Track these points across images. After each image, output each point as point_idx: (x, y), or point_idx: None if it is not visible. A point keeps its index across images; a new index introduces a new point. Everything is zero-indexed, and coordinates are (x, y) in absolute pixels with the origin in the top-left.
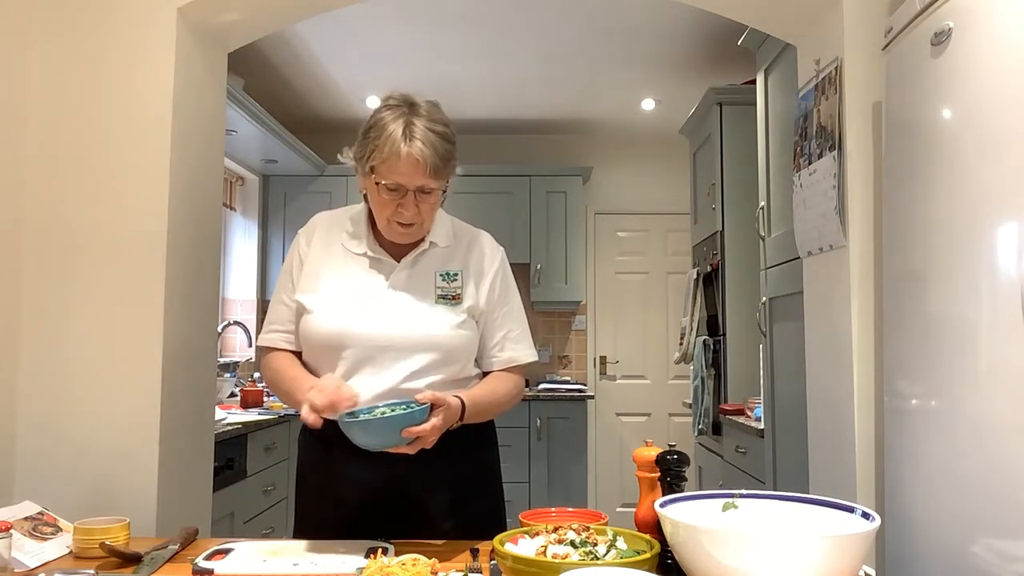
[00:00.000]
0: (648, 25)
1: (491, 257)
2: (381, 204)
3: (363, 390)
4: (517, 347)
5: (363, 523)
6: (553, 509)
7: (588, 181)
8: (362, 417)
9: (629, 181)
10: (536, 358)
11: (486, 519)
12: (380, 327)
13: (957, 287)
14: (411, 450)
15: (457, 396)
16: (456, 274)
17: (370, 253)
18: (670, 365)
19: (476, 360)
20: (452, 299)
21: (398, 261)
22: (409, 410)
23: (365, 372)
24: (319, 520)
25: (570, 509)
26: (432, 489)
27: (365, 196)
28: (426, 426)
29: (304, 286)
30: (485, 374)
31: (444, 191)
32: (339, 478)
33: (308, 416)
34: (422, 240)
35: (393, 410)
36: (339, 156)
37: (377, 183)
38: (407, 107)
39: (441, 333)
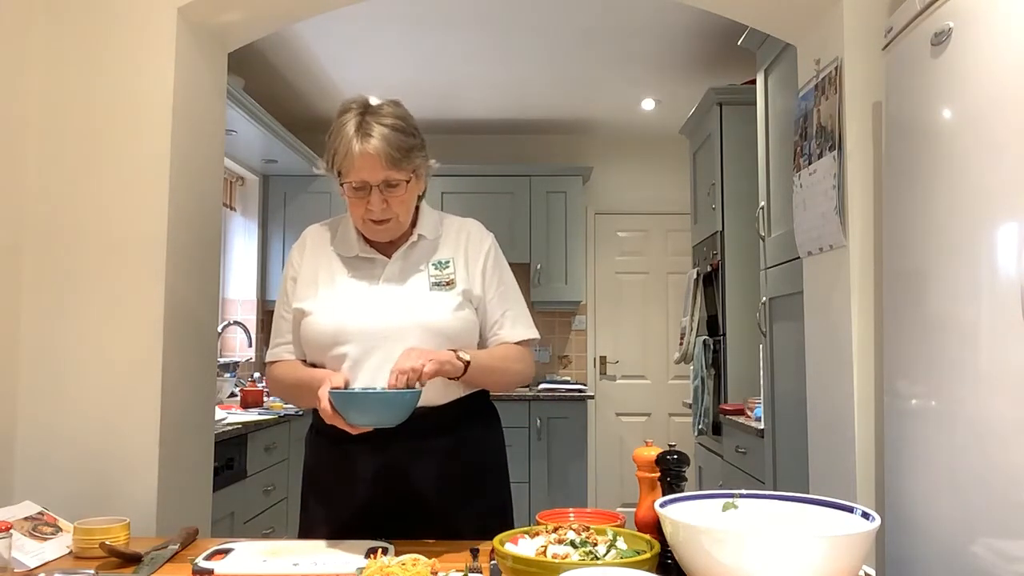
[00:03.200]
0: (648, 25)
1: (480, 241)
2: (353, 204)
3: (368, 383)
4: (517, 325)
5: (369, 520)
6: (571, 510)
7: (588, 181)
8: (351, 389)
9: (629, 181)
10: (537, 336)
11: (493, 515)
12: (376, 319)
13: (957, 287)
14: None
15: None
16: (448, 261)
17: (361, 254)
18: (670, 365)
19: (479, 345)
20: (446, 285)
21: (390, 258)
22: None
23: (369, 365)
24: (326, 519)
25: (588, 510)
26: (439, 484)
27: None
28: (415, 355)
29: (301, 295)
30: None
31: (409, 181)
32: (345, 475)
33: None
34: (410, 234)
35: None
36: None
37: (343, 184)
38: (363, 108)
39: (441, 318)
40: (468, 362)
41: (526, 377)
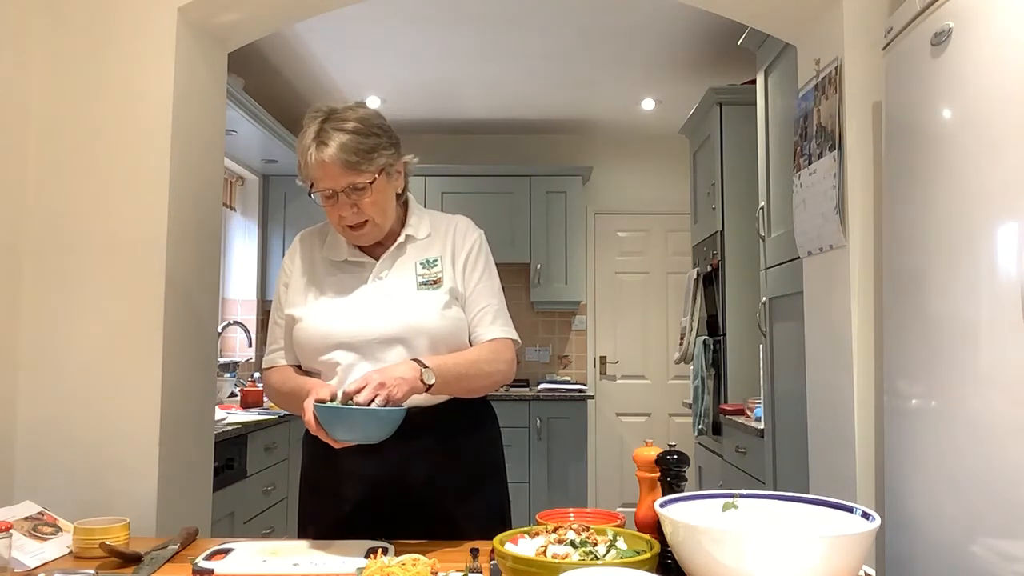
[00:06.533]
0: (648, 25)
1: (465, 237)
2: (327, 212)
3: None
4: (495, 323)
5: (365, 520)
6: (571, 510)
7: (588, 181)
8: (330, 405)
9: (629, 181)
10: (513, 337)
11: (490, 516)
12: (365, 322)
13: (957, 287)
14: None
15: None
16: (436, 260)
17: (350, 258)
18: (670, 365)
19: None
20: (433, 283)
21: (378, 260)
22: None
23: (360, 369)
24: (322, 518)
25: (588, 510)
26: (435, 485)
27: None
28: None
29: (292, 301)
30: None
31: (374, 182)
32: (340, 475)
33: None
34: (398, 235)
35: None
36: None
37: (312, 194)
38: (324, 115)
39: (428, 318)
40: (431, 385)
41: (505, 377)
